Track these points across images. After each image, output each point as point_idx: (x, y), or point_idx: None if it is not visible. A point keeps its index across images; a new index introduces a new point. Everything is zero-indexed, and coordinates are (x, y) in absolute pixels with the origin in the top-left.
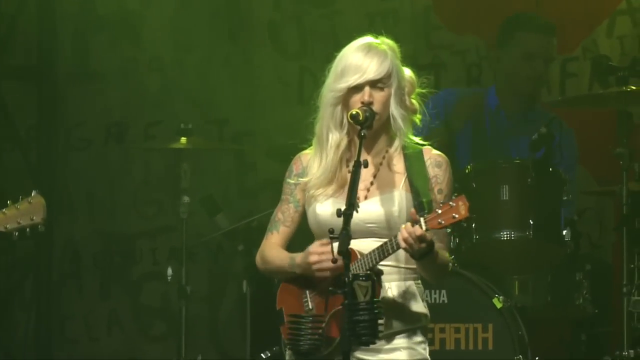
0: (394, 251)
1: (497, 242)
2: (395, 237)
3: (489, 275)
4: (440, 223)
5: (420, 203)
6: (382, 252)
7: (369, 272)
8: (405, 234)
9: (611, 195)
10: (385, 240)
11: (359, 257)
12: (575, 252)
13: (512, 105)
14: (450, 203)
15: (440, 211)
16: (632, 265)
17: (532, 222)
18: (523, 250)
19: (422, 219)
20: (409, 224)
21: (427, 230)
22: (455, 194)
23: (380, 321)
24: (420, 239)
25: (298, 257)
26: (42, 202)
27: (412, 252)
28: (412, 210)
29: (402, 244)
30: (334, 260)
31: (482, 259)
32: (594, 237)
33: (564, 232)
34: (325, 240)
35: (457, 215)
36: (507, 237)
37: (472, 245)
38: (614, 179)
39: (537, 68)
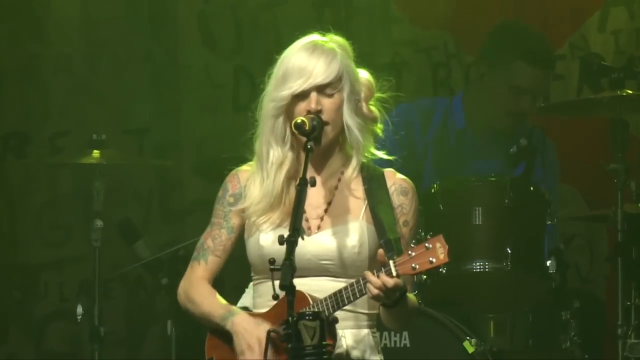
0: (355, 298)
1: (468, 275)
2: (359, 282)
3: (459, 314)
4: (413, 268)
5: (388, 241)
6: (342, 298)
7: (317, 310)
8: (379, 283)
9: (604, 220)
10: (342, 280)
11: (311, 302)
12: (562, 286)
13: (482, 131)
14: (426, 245)
15: (413, 254)
16: (628, 303)
17: (510, 251)
18: (500, 284)
19: (391, 263)
20: (382, 274)
21: (397, 276)
22: (431, 233)
23: None
24: (395, 289)
25: (237, 319)
26: None
27: (382, 302)
28: (380, 251)
29: (374, 292)
30: (275, 297)
31: (451, 294)
32: (584, 269)
33: (548, 263)
34: (276, 335)
35: (434, 260)
36: (480, 268)
37: (439, 279)
38: (607, 200)
39: (523, 105)
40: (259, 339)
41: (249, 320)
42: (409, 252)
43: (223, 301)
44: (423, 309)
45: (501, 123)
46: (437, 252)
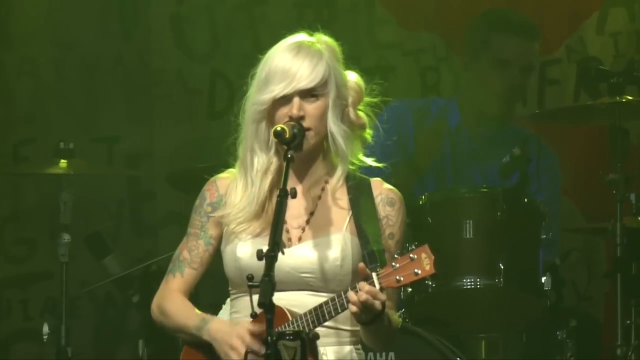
0: (337, 313)
1: (459, 292)
2: (340, 296)
3: (449, 333)
4: (398, 280)
5: (371, 253)
6: (323, 314)
7: (298, 330)
8: (364, 296)
9: (602, 234)
10: (323, 294)
11: (290, 318)
12: (557, 304)
13: (478, 124)
14: (411, 255)
15: (397, 265)
16: (627, 321)
17: (502, 267)
18: (492, 302)
19: (374, 275)
20: (363, 284)
21: (381, 289)
22: (416, 243)
23: None
24: (374, 303)
25: (213, 325)
26: None
27: (360, 317)
28: (362, 264)
29: (354, 308)
30: (253, 315)
31: (440, 312)
32: (581, 286)
33: (543, 280)
34: (257, 328)
35: (419, 272)
36: (471, 285)
37: (427, 296)
38: (606, 213)
39: (512, 79)
40: (239, 336)
41: (224, 322)
42: (393, 263)
43: (198, 312)
44: (410, 327)
45: (495, 103)
46: (423, 263)
